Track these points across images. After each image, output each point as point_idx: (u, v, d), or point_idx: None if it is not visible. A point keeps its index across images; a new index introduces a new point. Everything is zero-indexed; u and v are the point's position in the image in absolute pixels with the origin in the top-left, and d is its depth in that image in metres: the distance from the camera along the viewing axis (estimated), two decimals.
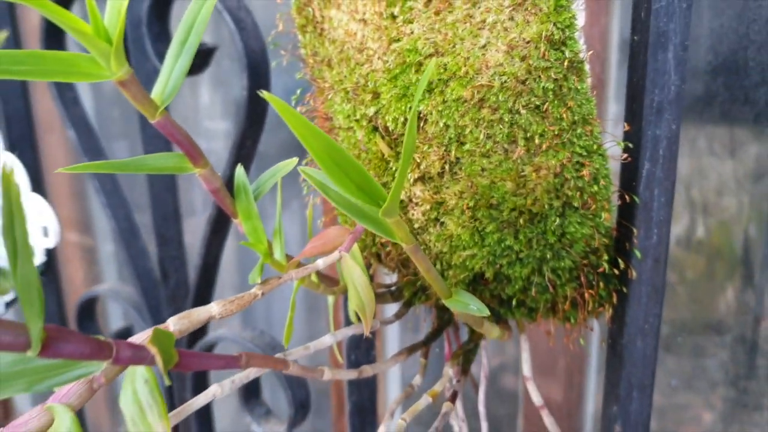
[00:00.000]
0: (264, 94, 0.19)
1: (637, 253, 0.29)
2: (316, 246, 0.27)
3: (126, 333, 0.56)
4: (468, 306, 0.25)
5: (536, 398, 0.35)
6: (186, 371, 0.22)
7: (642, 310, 0.30)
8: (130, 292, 0.52)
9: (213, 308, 0.24)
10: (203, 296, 0.46)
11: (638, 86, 0.28)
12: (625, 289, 0.30)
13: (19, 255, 0.15)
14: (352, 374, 0.29)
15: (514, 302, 0.31)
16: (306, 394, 0.43)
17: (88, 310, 0.54)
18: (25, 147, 0.54)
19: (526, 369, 0.35)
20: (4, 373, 0.18)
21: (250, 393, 0.46)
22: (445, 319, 0.34)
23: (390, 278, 0.36)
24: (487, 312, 0.25)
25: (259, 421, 0.46)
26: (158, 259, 0.48)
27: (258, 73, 0.38)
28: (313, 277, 0.30)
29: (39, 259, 0.56)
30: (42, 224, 0.51)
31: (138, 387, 0.21)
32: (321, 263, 0.26)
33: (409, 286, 0.33)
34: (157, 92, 0.22)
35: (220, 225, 0.41)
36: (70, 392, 0.22)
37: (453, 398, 0.31)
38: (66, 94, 0.49)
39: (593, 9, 0.51)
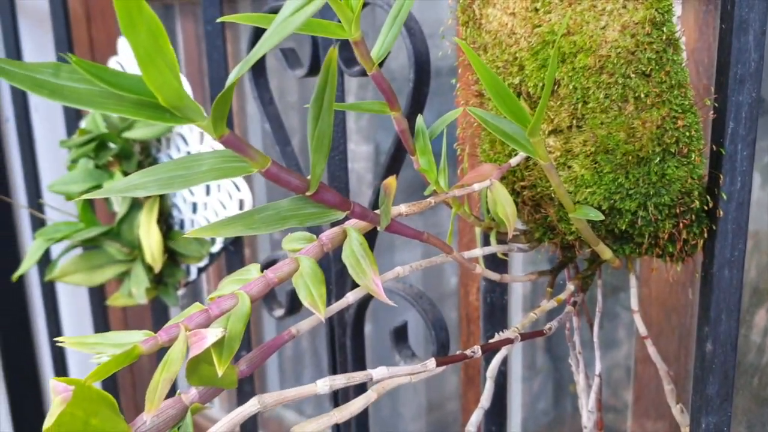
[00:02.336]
0: (458, 41, 0.29)
1: (724, 196, 0.37)
2: (472, 176, 0.37)
3: None
4: (588, 214, 0.34)
5: (642, 329, 0.43)
6: (392, 232, 0.31)
7: (729, 243, 0.38)
8: None
9: (402, 208, 0.34)
10: None
11: (725, 63, 0.36)
12: (714, 227, 0.38)
13: (323, 114, 0.25)
14: (494, 275, 0.38)
15: (624, 236, 0.39)
16: (446, 337, 0.52)
17: None
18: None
19: (634, 303, 0.43)
20: (285, 213, 0.29)
21: (400, 336, 0.55)
22: (568, 256, 0.43)
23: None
24: (601, 216, 0.34)
25: (406, 361, 0.55)
26: None
27: (422, 69, 0.48)
28: (466, 208, 0.39)
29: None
30: (239, 198, 0.64)
31: (354, 246, 0.32)
32: (477, 186, 0.36)
33: (539, 227, 0.42)
34: (374, 52, 0.33)
35: (395, 160, 0.51)
36: (309, 250, 0.32)
37: (574, 305, 0.39)
38: (264, 95, 0.61)
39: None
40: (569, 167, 0.37)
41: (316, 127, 0.26)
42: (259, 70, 0.60)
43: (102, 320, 0.88)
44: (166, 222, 0.72)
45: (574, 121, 0.37)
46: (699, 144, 0.36)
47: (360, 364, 0.60)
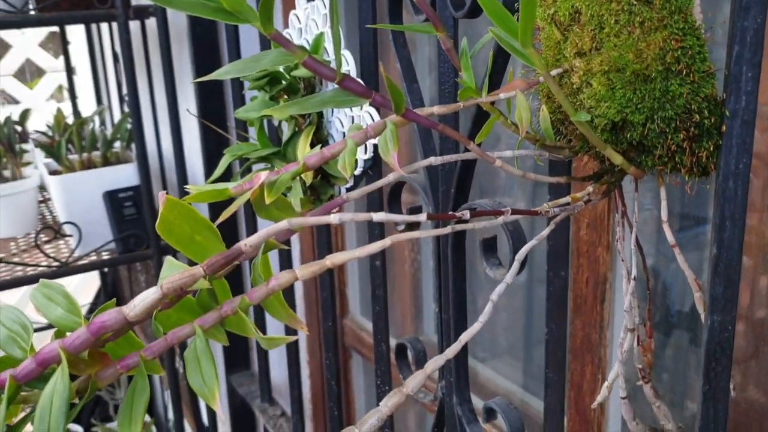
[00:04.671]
0: None
1: (727, 113, 0.42)
2: (504, 88, 0.45)
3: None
4: (581, 117, 0.41)
5: (670, 238, 0.49)
6: (407, 119, 0.41)
7: (733, 157, 0.42)
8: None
9: (434, 108, 0.43)
10: None
11: None
12: (721, 142, 0.43)
13: (335, 18, 0.36)
14: (518, 172, 0.46)
15: (642, 148, 0.45)
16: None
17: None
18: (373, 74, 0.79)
19: (664, 214, 0.48)
20: (326, 99, 0.40)
21: (489, 247, 0.64)
22: (603, 168, 0.49)
23: None
24: (587, 117, 0.41)
25: (492, 269, 0.64)
26: None
27: None
28: (508, 120, 0.47)
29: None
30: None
31: (387, 134, 0.42)
32: (502, 95, 0.44)
33: (578, 140, 0.49)
34: None
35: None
36: (355, 135, 0.43)
37: (586, 202, 0.46)
38: (398, 38, 0.72)
39: None
40: (590, 84, 0.44)
41: (335, 23, 0.37)
42: (395, 14, 0.71)
43: None
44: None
45: (594, 44, 0.43)
46: (703, 65, 0.42)
47: (459, 273, 0.70)
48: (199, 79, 0.38)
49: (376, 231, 0.83)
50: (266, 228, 0.37)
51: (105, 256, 1.36)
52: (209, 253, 0.39)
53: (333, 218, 0.37)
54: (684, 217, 0.84)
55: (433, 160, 0.44)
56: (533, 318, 1.13)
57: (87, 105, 2.29)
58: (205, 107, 1.33)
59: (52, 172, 1.39)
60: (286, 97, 0.83)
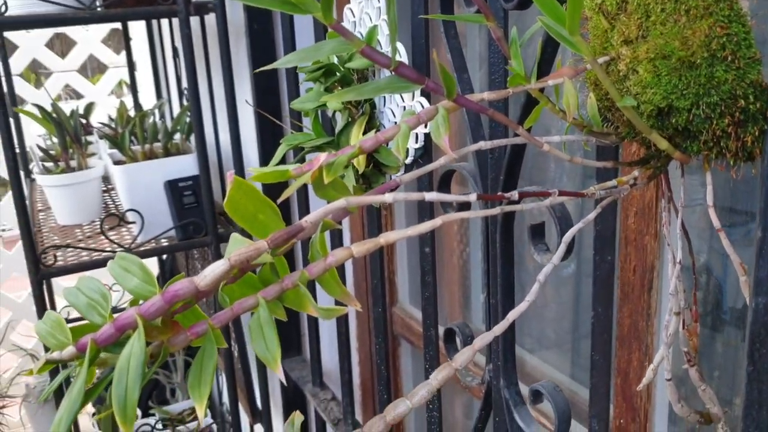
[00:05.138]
0: None
1: None
2: (552, 75, 0.47)
3: None
4: (626, 102, 0.43)
5: (716, 222, 0.50)
6: (458, 104, 0.43)
7: None
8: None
9: (484, 94, 0.45)
10: None
11: None
12: (766, 126, 0.44)
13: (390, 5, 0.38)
14: (566, 156, 0.48)
15: (688, 134, 0.46)
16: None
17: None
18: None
19: (710, 198, 0.49)
20: (382, 85, 0.42)
21: (536, 233, 0.66)
22: (648, 153, 0.51)
23: None
24: (633, 102, 0.42)
25: (540, 254, 0.66)
26: None
27: None
28: (556, 106, 0.49)
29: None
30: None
31: (439, 119, 0.44)
32: (551, 82, 0.46)
33: (624, 126, 0.50)
34: None
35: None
36: (409, 120, 0.45)
37: (632, 185, 0.47)
38: (449, 29, 0.74)
39: None
40: (636, 72, 0.46)
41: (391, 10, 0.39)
42: (447, 6, 0.73)
43: None
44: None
45: (640, 33, 0.45)
46: (748, 51, 0.42)
47: (508, 259, 0.72)
48: (263, 68, 0.41)
49: (426, 216, 0.86)
50: (324, 206, 0.40)
51: (164, 243, 1.41)
52: (270, 231, 0.42)
53: (387, 197, 0.40)
54: (735, 212, 0.84)
55: (483, 144, 0.46)
56: (581, 310, 1.13)
57: (146, 99, 2.37)
58: (262, 100, 1.37)
59: (116, 162, 1.45)
60: (340, 88, 0.85)
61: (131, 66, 2.25)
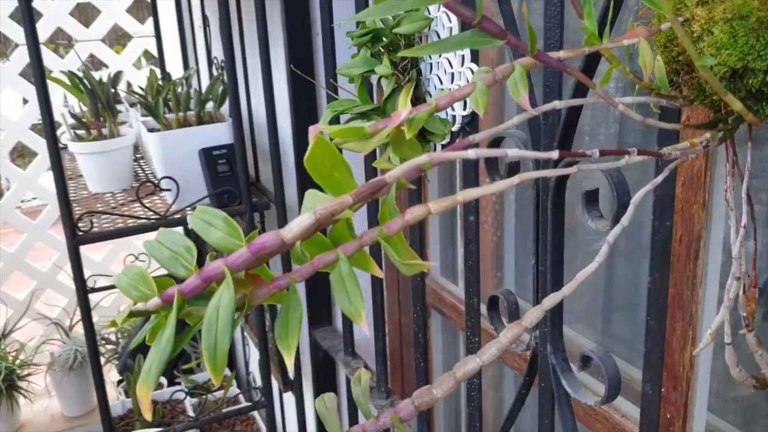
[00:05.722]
0: None
1: None
2: (627, 35, 0.47)
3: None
4: (707, 61, 0.43)
5: None
6: (538, 60, 0.43)
7: None
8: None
9: (560, 53, 0.45)
10: None
11: None
12: None
13: None
14: (637, 117, 0.48)
15: (761, 96, 0.46)
16: (628, 198, 0.62)
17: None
18: None
19: None
20: (464, 39, 0.42)
21: (590, 199, 0.66)
22: (717, 116, 0.51)
23: None
24: (713, 60, 0.42)
25: (594, 220, 0.66)
26: None
27: None
28: (627, 68, 0.49)
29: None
30: None
31: (516, 75, 0.44)
32: (626, 42, 0.46)
33: (693, 89, 0.50)
34: None
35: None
36: (485, 78, 0.45)
37: (705, 147, 0.48)
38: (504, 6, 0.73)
39: None
40: (711, 33, 0.46)
41: None
42: None
43: (373, 175, 1.09)
44: None
45: None
46: None
47: (558, 226, 0.72)
48: (348, 20, 0.41)
49: (471, 184, 0.86)
50: (407, 162, 0.40)
51: None
52: (343, 188, 0.42)
53: (470, 153, 0.40)
54: None
55: (558, 104, 0.46)
56: (614, 283, 1.14)
57: (172, 69, 2.37)
58: (296, 67, 1.37)
59: (150, 130, 1.45)
60: (387, 53, 0.85)
61: (159, 36, 2.25)
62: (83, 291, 1.30)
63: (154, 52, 2.63)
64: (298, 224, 0.39)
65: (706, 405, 0.85)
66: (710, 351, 0.84)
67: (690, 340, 0.82)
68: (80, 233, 1.29)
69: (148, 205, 1.43)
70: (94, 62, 3.08)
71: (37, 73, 1.20)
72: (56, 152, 1.24)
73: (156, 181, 1.38)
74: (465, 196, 0.42)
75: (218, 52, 1.81)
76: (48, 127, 1.22)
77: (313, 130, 0.40)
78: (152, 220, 1.35)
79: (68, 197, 1.27)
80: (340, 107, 0.88)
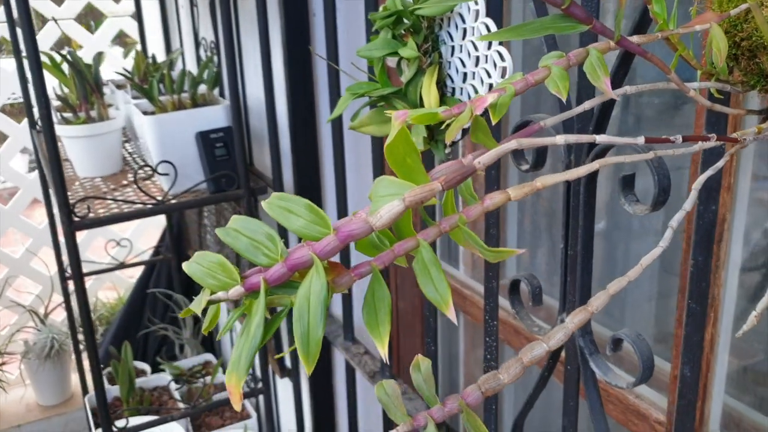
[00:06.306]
0: None
1: None
2: (696, 21, 0.46)
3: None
4: None
5: None
6: (621, 47, 0.43)
7: None
8: None
9: (634, 38, 0.45)
10: None
11: None
12: None
13: None
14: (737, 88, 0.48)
15: None
16: (668, 183, 0.62)
17: None
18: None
19: None
20: (546, 24, 0.42)
21: (627, 183, 0.66)
22: None
23: None
24: None
25: (631, 205, 0.66)
26: None
27: None
28: (690, 53, 0.49)
29: None
30: (502, 66, 0.77)
31: (592, 59, 0.43)
32: (698, 27, 0.45)
33: (754, 76, 0.50)
34: None
35: None
36: (559, 62, 0.45)
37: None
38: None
39: None
40: None
41: None
42: None
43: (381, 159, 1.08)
44: (441, 89, 0.87)
45: None
46: None
47: (590, 210, 0.72)
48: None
49: (492, 172, 0.86)
50: (497, 147, 0.39)
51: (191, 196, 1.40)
52: (413, 174, 0.42)
53: (558, 139, 0.40)
54: None
55: (629, 89, 0.46)
56: (626, 266, 1.15)
57: (152, 50, 2.32)
58: (292, 51, 1.35)
59: (145, 113, 1.42)
60: (409, 36, 0.84)
61: (140, 16, 2.20)
62: (80, 278, 1.28)
63: (129, 32, 2.57)
64: (387, 211, 0.38)
65: (723, 387, 0.86)
66: (728, 333, 0.85)
67: (711, 322, 0.83)
68: (77, 219, 1.26)
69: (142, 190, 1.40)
70: (63, 42, 3.00)
71: (31, 56, 1.16)
72: (52, 135, 1.20)
73: (153, 166, 1.36)
74: (543, 182, 0.41)
75: (206, 33, 1.78)
76: (43, 109, 1.19)
77: (398, 117, 0.40)
78: (149, 206, 1.32)
79: (64, 182, 1.23)
80: (360, 90, 0.87)
